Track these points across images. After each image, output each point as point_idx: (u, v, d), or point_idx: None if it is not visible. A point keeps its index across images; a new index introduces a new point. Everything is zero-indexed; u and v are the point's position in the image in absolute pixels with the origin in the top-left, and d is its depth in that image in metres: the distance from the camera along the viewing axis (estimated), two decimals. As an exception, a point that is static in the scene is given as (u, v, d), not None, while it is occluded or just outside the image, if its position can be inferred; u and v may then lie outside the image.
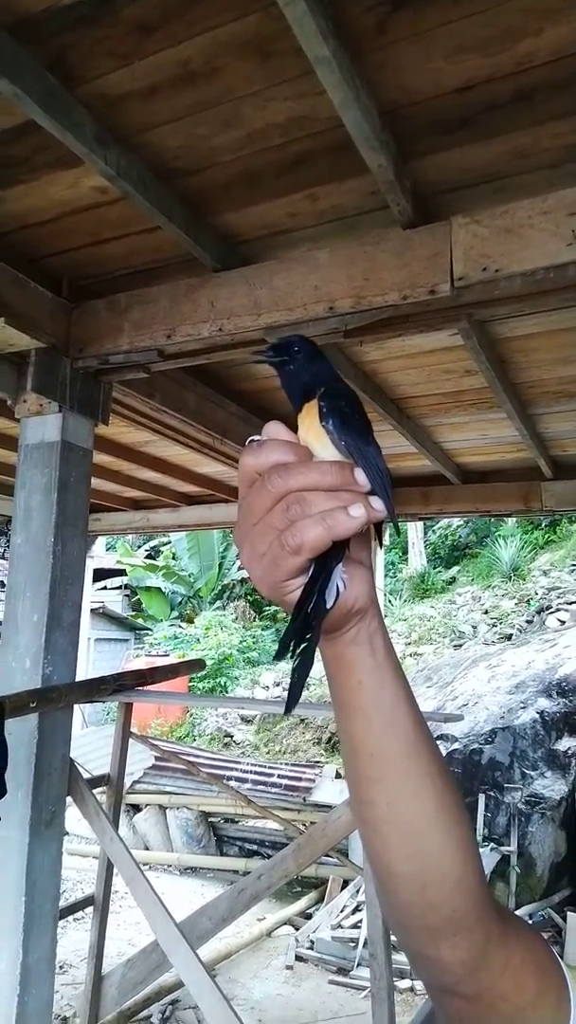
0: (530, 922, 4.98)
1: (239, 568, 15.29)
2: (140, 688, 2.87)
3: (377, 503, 0.53)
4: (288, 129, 1.68)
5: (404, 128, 1.66)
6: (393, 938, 4.18)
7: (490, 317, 2.36)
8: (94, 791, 2.75)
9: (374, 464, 0.54)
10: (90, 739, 7.46)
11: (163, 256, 2.24)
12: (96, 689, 2.57)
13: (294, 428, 0.58)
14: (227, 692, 11.49)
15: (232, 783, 6.78)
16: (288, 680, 0.53)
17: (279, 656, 0.52)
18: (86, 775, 3.28)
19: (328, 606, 0.52)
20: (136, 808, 7.26)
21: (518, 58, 1.47)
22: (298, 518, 0.50)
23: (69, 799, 2.49)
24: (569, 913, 4.88)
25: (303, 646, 0.50)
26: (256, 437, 0.55)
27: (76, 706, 2.71)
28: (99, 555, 13.18)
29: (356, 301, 1.98)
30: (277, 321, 2.09)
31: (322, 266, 2.04)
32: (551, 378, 3.19)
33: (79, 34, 1.42)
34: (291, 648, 0.50)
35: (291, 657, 0.50)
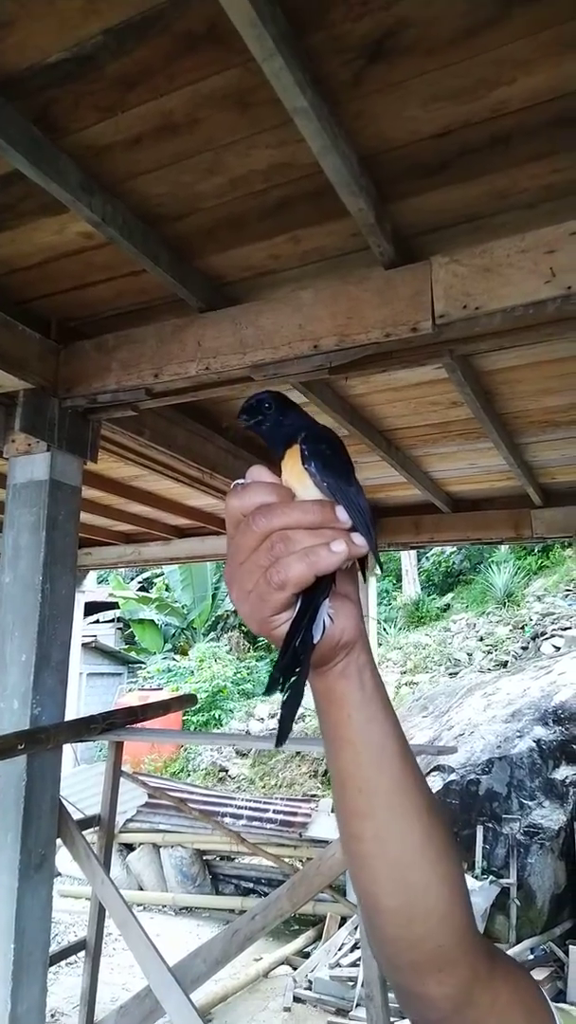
0: (531, 956, 4.89)
1: (232, 599, 15.20)
2: (131, 726, 2.84)
3: (358, 539, 0.54)
4: (270, 175, 1.71)
5: (383, 173, 1.70)
6: (393, 977, 4.10)
7: (472, 352, 2.39)
8: (86, 832, 2.71)
9: (355, 502, 0.56)
10: (82, 777, 7.36)
11: (150, 297, 2.27)
12: (86, 728, 2.54)
13: (278, 472, 0.60)
14: (222, 725, 11.37)
15: (227, 820, 6.68)
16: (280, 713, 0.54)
17: (269, 691, 0.53)
18: (77, 815, 3.23)
19: (315, 640, 0.54)
20: (129, 847, 7.13)
21: (492, 105, 1.51)
22: (282, 555, 0.52)
23: (59, 841, 2.45)
24: (571, 947, 4.80)
25: (292, 680, 0.51)
26: (241, 481, 0.57)
27: (67, 744, 2.68)
28: (91, 589, 13.10)
29: (340, 339, 2.01)
30: (263, 359, 2.12)
31: (306, 305, 2.07)
32: (536, 408, 3.23)
33: (63, 89, 1.46)
34: (281, 682, 0.51)
35: (281, 691, 0.51)
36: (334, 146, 1.49)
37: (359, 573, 0.62)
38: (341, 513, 0.55)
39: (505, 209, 1.84)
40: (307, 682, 0.54)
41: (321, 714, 0.62)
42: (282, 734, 0.53)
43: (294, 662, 0.51)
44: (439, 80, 1.44)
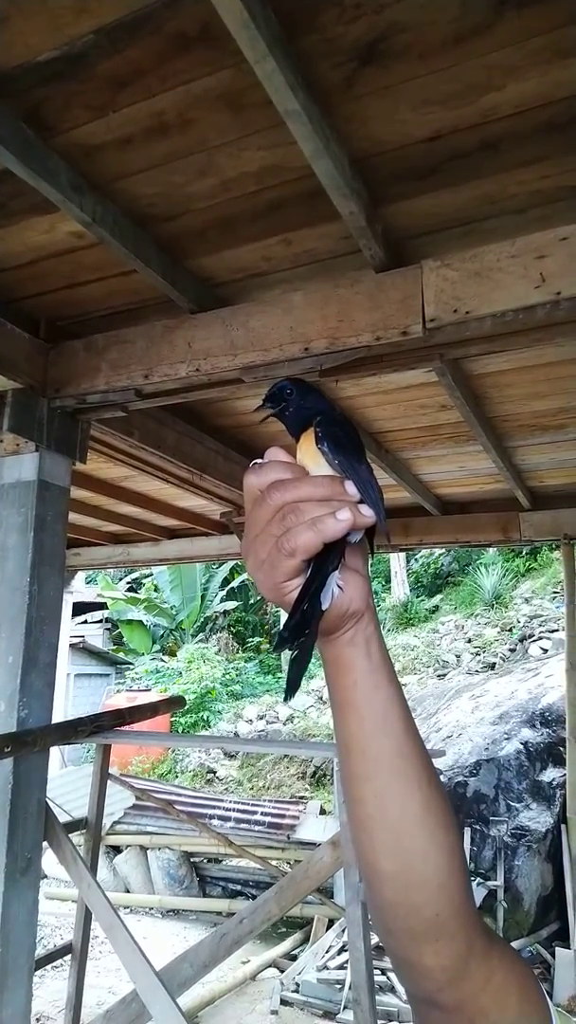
0: (518, 959, 4.91)
1: (222, 600, 15.21)
2: (118, 728, 2.83)
3: (365, 509, 0.58)
4: (261, 177, 1.71)
5: (374, 176, 1.70)
6: (377, 978, 4.09)
7: (462, 356, 2.40)
8: (72, 835, 2.70)
9: (364, 478, 0.61)
10: (69, 779, 7.32)
11: (140, 298, 2.26)
12: (73, 731, 2.53)
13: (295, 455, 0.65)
14: (210, 726, 11.35)
15: (214, 822, 6.67)
16: (287, 669, 0.59)
17: (278, 648, 0.56)
18: (65, 817, 3.21)
19: (324, 607, 0.57)
20: (116, 849, 7.11)
21: (483, 110, 1.52)
22: (292, 525, 0.56)
23: (46, 844, 2.44)
24: (558, 949, 4.82)
25: (301, 640, 0.55)
26: (259, 460, 0.62)
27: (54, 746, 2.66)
28: (79, 589, 13.05)
29: (331, 342, 2.01)
30: (253, 361, 2.12)
31: (297, 308, 2.07)
32: (525, 412, 3.25)
33: (54, 88, 1.45)
34: (289, 641, 0.54)
35: (290, 649, 0.55)
36: (326, 149, 1.49)
37: (369, 550, 0.66)
38: (350, 487, 0.58)
39: (495, 214, 1.85)
40: (316, 650, 0.58)
41: (330, 680, 0.65)
42: (290, 689, 0.57)
43: (303, 623, 0.55)
44: (430, 84, 1.44)
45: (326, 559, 0.57)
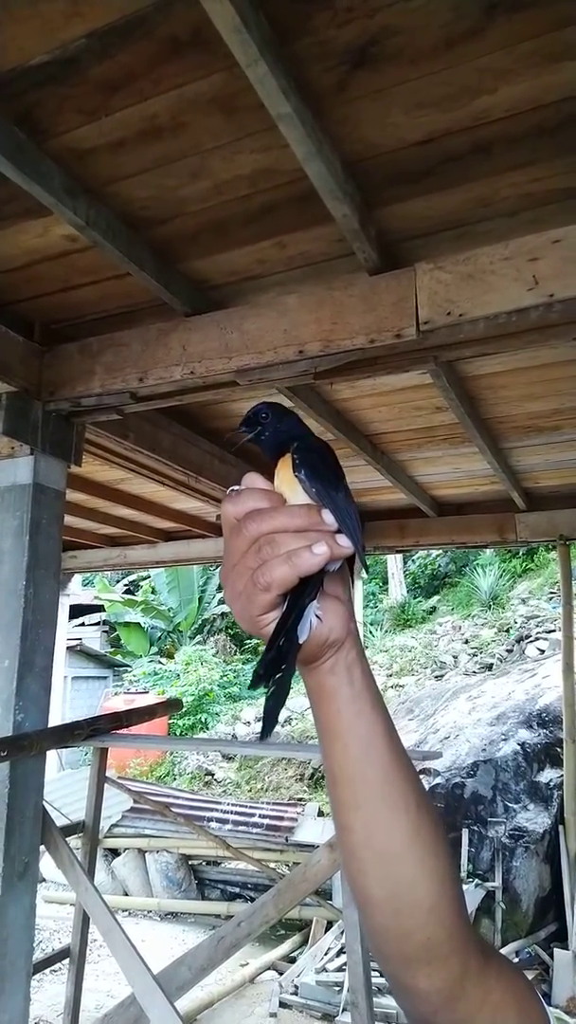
0: (516, 959, 4.90)
1: (219, 602, 15.20)
2: (116, 732, 2.83)
3: (343, 540, 0.57)
4: (254, 180, 1.71)
5: (367, 179, 1.71)
6: (375, 980, 4.08)
7: (456, 358, 2.40)
8: (70, 838, 2.69)
9: (341, 507, 0.59)
10: (66, 782, 7.31)
11: (134, 301, 2.26)
12: (69, 735, 2.53)
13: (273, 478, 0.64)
14: (208, 728, 11.33)
15: (212, 824, 6.66)
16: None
17: (253, 685, 0.54)
18: (62, 820, 3.21)
19: (301, 640, 0.56)
20: (114, 852, 7.09)
21: (475, 114, 1.52)
22: (268, 558, 0.55)
23: (43, 848, 2.43)
24: (556, 950, 4.82)
25: (277, 676, 0.53)
26: (236, 487, 0.60)
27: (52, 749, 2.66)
28: (76, 591, 13.03)
29: (325, 344, 2.01)
30: (248, 364, 2.12)
31: (291, 310, 2.07)
32: (520, 414, 3.25)
33: (47, 92, 1.45)
34: (265, 678, 0.53)
35: (265, 687, 0.54)
36: (318, 152, 1.49)
37: (349, 575, 0.64)
38: (327, 516, 0.57)
39: (488, 217, 1.85)
40: (298, 678, 0.57)
41: (313, 708, 0.64)
42: (266, 728, 0.55)
43: (279, 659, 0.53)
44: (422, 88, 1.45)
45: (303, 592, 0.56)
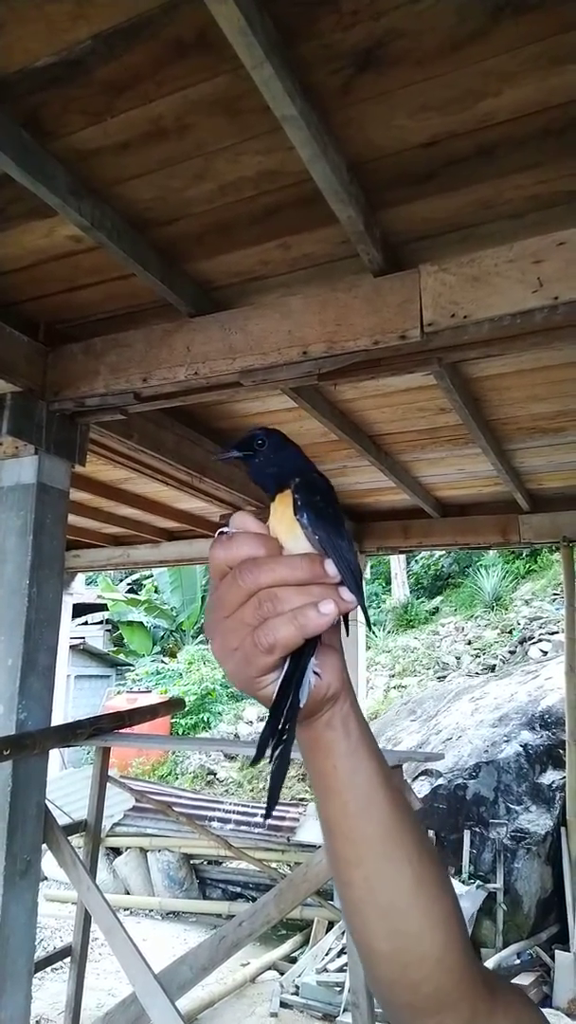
0: (518, 961, 4.90)
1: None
2: (118, 731, 2.83)
3: (347, 594, 0.53)
4: (259, 182, 1.72)
5: (372, 181, 1.71)
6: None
7: (460, 360, 2.40)
8: (72, 837, 2.70)
9: (344, 557, 0.55)
10: (69, 781, 7.32)
11: (139, 302, 2.26)
12: (72, 734, 2.53)
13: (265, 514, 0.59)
14: (210, 728, 11.34)
15: (214, 824, 6.66)
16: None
17: (256, 761, 0.51)
18: (64, 819, 3.21)
19: (302, 703, 0.52)
20: (116, 851, 7.10)
21: (479, 116, 1.52)
22: (270, 615, 0.51)
23: (45, 846, 2.44)
24: (557, 951, 4.82)
25: (280, 748, 0.50)
26: (225, 528, 0.56)
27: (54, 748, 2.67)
28: (79, 591, 13.05)
29: (329, 346, 2.01)
30: (252, 365, 2.12)
31: (295, 312, 2.07)
32: (524, 415, 3.25)
33: (52, 93, 1.46)
34: (272, 752, 0.49)
35: (269, 761, 0.50)
36: (323, 154, 1.50)
37: (344, 621, 0.61)
38: (330, 567, 0.53)
39: (492, 219, 1.85)
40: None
41: (308, 764, 0.61)
42: (271, 804, 0.52)
43: (281, 729, 0.50)
44: (427, 90, 1.45)
45: (303, 650, 0.52)
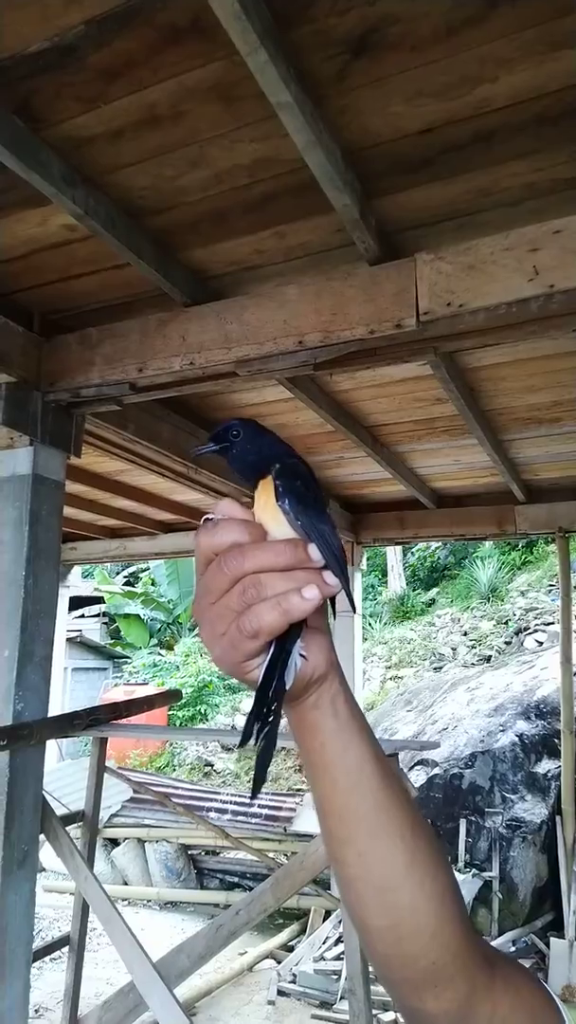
0: (513, 949, 4.94)
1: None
2: (115, 722, 2.84)
3: (330, 578, 0.54)
4: (254, 170, 1.71)
5: (367, 168, 1.70)
6: (372, 972, 4.12)
7: (456, 349, 2.40)
8: (70, 827, 2.70)
9: (328, 541, 0.55)
10: (66, 772, 7.34)
11: (134, 291, 2.26)
12: (69, 724, 2.54)
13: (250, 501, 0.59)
14: (207, 720, 11.37)
15: (212, 814, 6.68)
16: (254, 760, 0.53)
17: (243, 744, 0.51)
18: (62, 810, 3.23)
19: (287, 686, 0.52)
20: (114, 842, 7.12)
21: (476, 103, 1.51)
22: (254, 601, 0.51)
23: (43, 837, 2.45)
24: (552, 939, 4.85)
25: (266, 730, 0.50)
26: (211, 516, 0.56)
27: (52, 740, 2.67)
28: (76, 583, 13.04)
29: (325, 335, 2.01)
30: (248, 355, 2.11)
31: (291, 301, 2.07)
32: (520, 405, 3.25)
33: (45, 80, 1.45)
34: (257, 734, 0.50)
35: (255, 742, 0.50)
36: (318, 141, 1.49)
37: (330, 604, 0.61)
38: (314, 552, 0.54)
39: (489, 207, 1.85)
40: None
41: (298, 743, 0.61)
42: (257, 785, 0.52)
43: (267, 712, 0.51)
44: (423, 76, 1.44)
45: (288, 634, 0.52)
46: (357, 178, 1.70)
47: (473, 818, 5.58)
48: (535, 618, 10.42)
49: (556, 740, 5.63)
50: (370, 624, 12.99)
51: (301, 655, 0.54)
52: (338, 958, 4.88)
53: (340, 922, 5.23)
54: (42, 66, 1.41)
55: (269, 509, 0.57)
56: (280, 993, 4.79)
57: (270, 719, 0.51)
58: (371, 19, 1.31)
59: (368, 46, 1.37)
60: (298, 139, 1.48)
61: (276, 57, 1.28)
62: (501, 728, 6.08)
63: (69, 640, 12.65)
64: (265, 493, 0.58)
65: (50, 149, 1.62)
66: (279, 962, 5.24)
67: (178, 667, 13.11)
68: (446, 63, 1.41)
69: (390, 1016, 4.25)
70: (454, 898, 0.60)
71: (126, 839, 7.06)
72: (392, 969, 0.61)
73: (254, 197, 1.81)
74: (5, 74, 1.43)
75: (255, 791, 0.54)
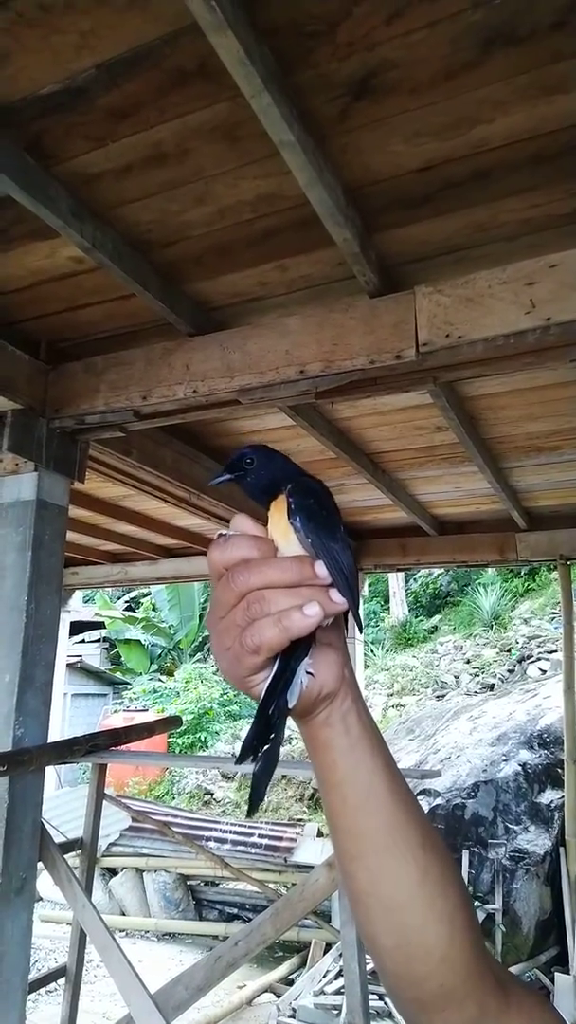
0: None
1: (220, 619, 15.11)
2: (114, 748, 2.83)
3: (336, 596, 0.54)
4: (257, 205, 1.75)
5: (368, 204, 1.74)
6: (373, 1003, 4.03)
7: (455, 379, 2.43)
8: (68, 855, 2.68)
9: (337, 560, 0.55)
10: (65, 799, 7.28)
11: (139, 321, 2.30)
12: (68, 751, 2.53)
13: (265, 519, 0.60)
14: (207, 747, 11.28)
15: (211, 844, 6.61)
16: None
17: (241, 760, 0.50)
18: (60, 838, 3.20)
19: (290, 705, 0.52)
20: (112, 872, 7.04)
21: (473, 142, 1.56)
22: (257, 617, 0.52)
23: (40, 865, 2.43)
24: (557, 974, 4.77)
25: (265, 748, 0.50)
26: (224, 531, 0.57)
27: (50, 766, 2.66)
28: (76, 608, 13.02)
29: (326, 365, 2.04)
30: (250, 383, 2.15)
31: (292, 332, 2.10)
32: (519, 434, 3.28)
33: (55, 119, 1.49)
34: (256, 753, 0.50)
35: (254, 760, 0.50)
36: (320, 178, 1.53)
37: (343, 620, 0.61)
38: (320, 569, 0.54)
39: (486, 241, 1.89)
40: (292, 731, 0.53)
41: (311, 758, 0.62)
42: (253, 804, 0.52)
43: (267, 729, 0.50)
44: (422, 117, 1.48)
45: (293, 651, 0.53)
46: (358, 213, 1.74)
47: (476, 849, 5.51)
48: (538, 646, 10.37)
49: (559, 770, 5.58)
50: (372, 651, 12.93)
51: (308, 672, 0.55)
52: (339, 992, 4.80)
53: (340, 955, 5.14)
54: (53, 106, 1.46)
55: (281, 526, 0.58)
56: (279, 1028, 4.70)
57: (271, 736, 0.51)
58: (371, 64, 1.36)
59: (368, 89, 1.41)
60: (300, 176, 1.52)
61: (279, 99, 1.33)
62: (504, 757, 6.03)
63: (69, 666, 12.61)
64: (278, 510, 0.59)
65: (59, 184, 1.67)
66: (279, 996, 5.15)
67: (178, 693, 13.04)
68: (444, 105, 1.45)
69: (391, 1053, 4.17)
70: (466, 919, 0.59)
71: (124, 869, 6.98)
72: (401, 988, 0.60)
73: (257, 232, 1.85)
74: (18, 114, 1.48)
75: (251, 810, 0.55)
